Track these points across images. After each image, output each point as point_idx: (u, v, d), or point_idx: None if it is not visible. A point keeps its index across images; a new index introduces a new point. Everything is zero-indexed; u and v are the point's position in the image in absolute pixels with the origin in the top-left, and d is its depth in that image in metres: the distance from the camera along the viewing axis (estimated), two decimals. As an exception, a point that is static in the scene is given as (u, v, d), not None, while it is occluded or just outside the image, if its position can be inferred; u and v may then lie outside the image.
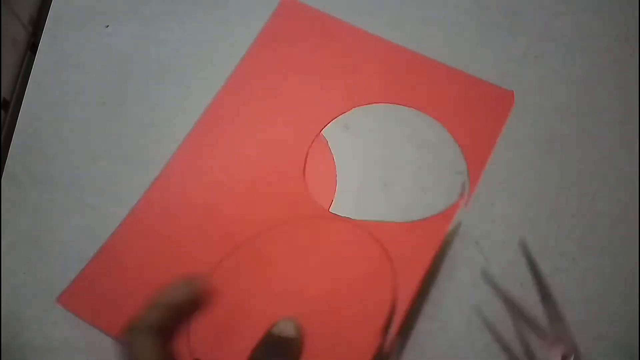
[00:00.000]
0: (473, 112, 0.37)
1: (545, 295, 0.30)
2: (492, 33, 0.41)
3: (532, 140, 0.37)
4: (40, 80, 0.41)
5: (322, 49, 0.39)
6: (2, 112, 0.41)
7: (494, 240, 0.34)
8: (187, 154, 0.37)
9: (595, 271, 0.33)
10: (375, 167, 0.36)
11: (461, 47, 0.40)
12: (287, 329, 0.27)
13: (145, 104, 0.39)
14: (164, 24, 0.42)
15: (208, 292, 0.27)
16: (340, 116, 0.37)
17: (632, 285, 0.32)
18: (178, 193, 0.35)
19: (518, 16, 0.42)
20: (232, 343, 0.30)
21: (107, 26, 0.43)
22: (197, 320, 0.26)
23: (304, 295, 0.31)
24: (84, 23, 0.43)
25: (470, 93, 0.37)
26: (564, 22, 0.41)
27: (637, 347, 0.31)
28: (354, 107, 0.37)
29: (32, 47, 0.44)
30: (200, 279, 0.27)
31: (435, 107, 0.37)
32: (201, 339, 0.30)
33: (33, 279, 0.34)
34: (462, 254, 0.33)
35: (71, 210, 0.36)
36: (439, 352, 0.31)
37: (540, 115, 0.37)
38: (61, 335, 0.32)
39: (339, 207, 0.34)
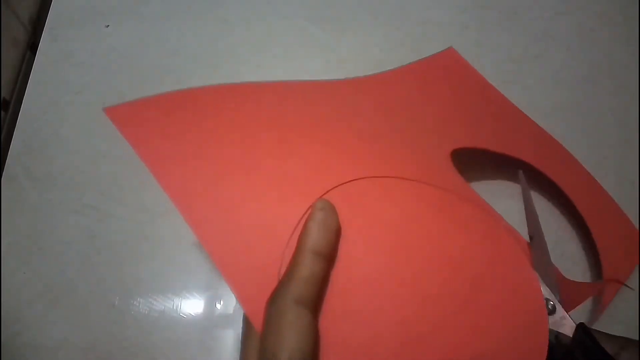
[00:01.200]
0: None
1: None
2: (492, 33, 0.41)
3: (532, 140, 0.37)
4: (40, 80, 0.41)
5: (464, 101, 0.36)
6: (2, 112, 0.41)
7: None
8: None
9: (595, 271, 0.33)
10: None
11: (461, 47, 0.40)
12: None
13: (145, 104, 0.39)
14: (164, 24, 0.42)
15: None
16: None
17: (632, 285, 0.32)
18: None
19: (518, 16, 0.42)
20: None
21: (107, 26, 0.43)
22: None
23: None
24: (84, 23, 0.43)
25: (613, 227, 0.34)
26: (564, 22, 0.41)
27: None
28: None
29: (32, 47, 0.44)
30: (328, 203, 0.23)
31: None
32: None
33: (33, 279, 0.34)
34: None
35: (71, 210, 0.36)
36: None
37: (540, 115, 0.37)
38: (61, 335, 0.32)
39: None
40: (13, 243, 0.35)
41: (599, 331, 0.24)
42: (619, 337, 0.24)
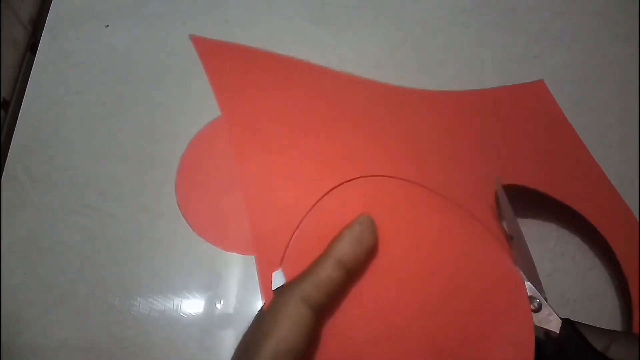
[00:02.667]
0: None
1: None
2: (492, 33, 0.41)
3: (532, 140, 0.37)
4: (40, 80, 0.41)
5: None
6: (2, 112, 0.41)
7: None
8: None
9: (595, 271, 0.33)
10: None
11: (461, 47, 0.40)
12: None
13: (145, 104, 0.39)
14: (164, 24, 0.42)
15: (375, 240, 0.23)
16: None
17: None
18: None
19: (518, 16, 0.42)
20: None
21: (107, 26, 0.43)
22: None
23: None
24: (84, 23, 0.43)
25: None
26: (564, 22, 0.41)
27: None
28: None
29: (32, 47, 0.44)
30: (370, 219, 0.23)
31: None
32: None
33: (33, 279, 0.34)
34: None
35: (71, 210, 0.36)
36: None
37: (540, 115, 0.37)
38: (61, 335, 0.32)
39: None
40: (13, 243, 0.35)
41: (587, 325, 0.24)
42: (607, 330, 0.24)
